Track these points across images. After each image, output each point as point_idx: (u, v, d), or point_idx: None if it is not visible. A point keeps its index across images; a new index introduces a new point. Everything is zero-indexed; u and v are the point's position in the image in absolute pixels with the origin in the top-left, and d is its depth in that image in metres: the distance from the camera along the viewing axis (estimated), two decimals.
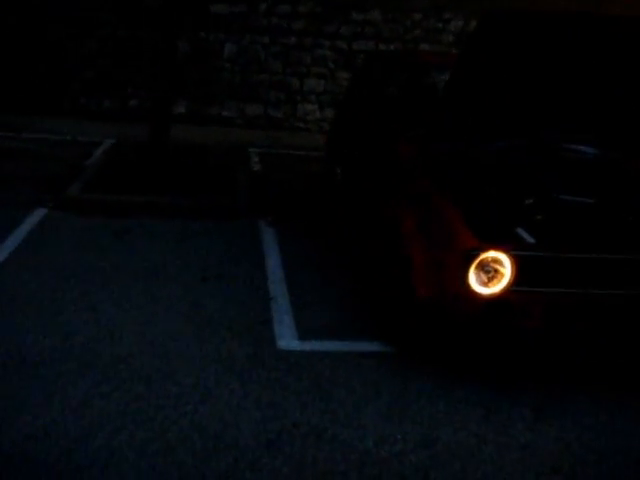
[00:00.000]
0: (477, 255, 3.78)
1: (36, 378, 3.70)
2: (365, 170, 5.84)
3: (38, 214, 6.22)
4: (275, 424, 3.50)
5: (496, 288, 3.81)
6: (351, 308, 4.85)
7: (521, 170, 4.68)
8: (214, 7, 10.79)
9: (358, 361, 4.14)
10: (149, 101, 7.60)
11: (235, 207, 6.78)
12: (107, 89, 10.89)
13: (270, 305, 4.80)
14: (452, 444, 3.47)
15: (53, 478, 3.03)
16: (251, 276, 5.26)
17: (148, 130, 7.49)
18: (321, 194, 7.48)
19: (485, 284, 3.80)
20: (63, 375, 3.75)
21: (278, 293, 5.00)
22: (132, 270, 5.17)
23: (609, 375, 4.27)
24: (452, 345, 4.34)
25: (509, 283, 3.79)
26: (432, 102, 5.31)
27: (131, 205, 6.52)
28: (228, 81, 11.12)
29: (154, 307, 4.61)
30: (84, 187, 6.90)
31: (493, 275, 3.81)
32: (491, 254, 3.78)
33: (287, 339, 4.34)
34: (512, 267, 3.77)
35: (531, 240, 4.10)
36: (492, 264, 3.79)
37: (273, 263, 5.55)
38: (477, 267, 3.79)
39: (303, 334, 4.42)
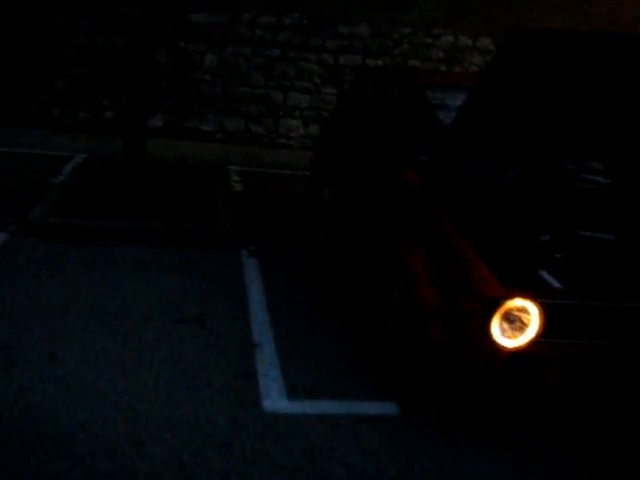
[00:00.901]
0: (502, 303, 3.29)
1: None
2: (360, 195, 5.33)
3: None
4: None
5: (521, 340, 3.33)
6: (347, 358, 4.32)
7: (536, 202, 4.27)
8: (194, 16, 10.24)
9: (357, 427, 3.61)
10: (126, 114, 7.07)
11: (215, 235, 6.23)
12: (81, 100, 10.28)
13: (254, 353, 4.27)
14: None
15: None
16: (232, 317, 4.72)
17: (122, 146, 6.93)
18: (307, 219, 6.98)
19: (508, 335, 3.32)
20: (12, 447, 3.18)
21: (263, 339, 4.46)
22: (99, 308, 4.61)
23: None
24: (467, 403, 3.85)
25: (537, 334, 3.32)
26: (438, 125, 4.87)
27: (101, 231, 5.94)
28: (208, 94, 10.56)
29: (122, 356, 4.05)
30: (50, 209, 6.31)
31: (518, 325, 3.33)
32: (517, 302, 3.30)
33: (274, 398, 3.80)
34: (540, 316, 3.30)
35: (556, 284, 3.67)
36: (516, 313, 3.31)
37: (257, 301, 5.02)
38: (502, 317, 3.31)
39: (292, 391, 3.89)
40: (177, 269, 5.44)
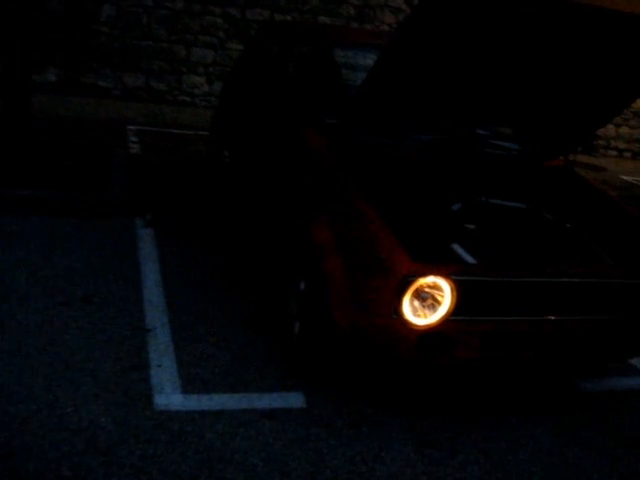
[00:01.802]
0: (413, 281, 3.02)
1: None
2: (261, 157, 4.95)
3: None
4: None
5: (432, 318, 3.10)
6: (250, 343, 3.98)
7: (445, 170, 4.11)
8: None
9: (259, 425, 3.28)
10: (6, 67, 6.39)
11: (107, 202, 5.73)
12: None
13: (147, 340, 3.87)
14: None
15: None
16: (124, 298, 4.29)
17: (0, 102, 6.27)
18: (208, 182, 6.55)
19: (419, 314, 3.08)
20: None
21: (157, 323, 4.06)
22: None
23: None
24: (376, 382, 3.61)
25: (448, 312, 3.09)
26: (347, 86, 4.55)
27: None
28: (105, 47, 9.86)
29: None
30: None
31: (430, 303, 3.09)
32: (429, 279, 3.04)
33: (167, 393, 3.42)
34: (452, 294, 3.07)
35: (470, 259, 3.53)
36: (428, 290, 3.07)
37: (151, 279, 4.60)
38: (413, 294, 3.05)
39: (188, 384, 3.52)
40: (64, 241, 4.94)
